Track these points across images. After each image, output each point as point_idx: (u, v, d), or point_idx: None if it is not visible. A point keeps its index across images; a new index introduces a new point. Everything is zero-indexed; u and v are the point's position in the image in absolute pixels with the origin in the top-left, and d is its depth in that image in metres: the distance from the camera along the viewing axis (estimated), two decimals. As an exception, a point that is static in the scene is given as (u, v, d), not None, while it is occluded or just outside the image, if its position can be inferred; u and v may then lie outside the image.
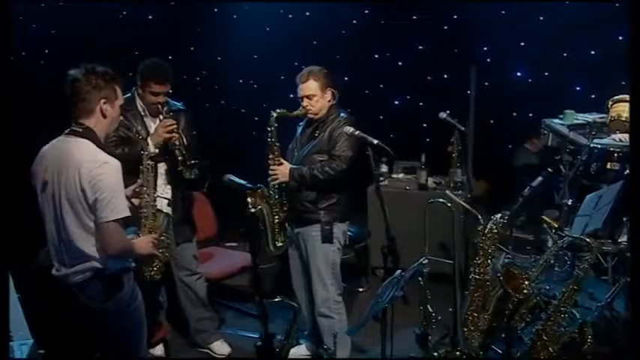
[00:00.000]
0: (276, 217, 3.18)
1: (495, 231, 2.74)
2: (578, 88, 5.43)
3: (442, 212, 3.40)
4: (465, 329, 2.78)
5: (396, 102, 6.09)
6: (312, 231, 3.12)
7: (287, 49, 5.75)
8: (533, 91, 5.49)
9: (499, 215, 2.75)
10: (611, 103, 3.69)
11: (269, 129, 3.13)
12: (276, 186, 3.15)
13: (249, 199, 2.69)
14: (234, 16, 6.03)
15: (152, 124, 3.13)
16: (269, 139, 3.14)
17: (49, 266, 2.28)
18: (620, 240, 3.47)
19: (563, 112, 4.23)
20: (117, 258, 2.22)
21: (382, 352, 2.53)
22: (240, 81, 6.20)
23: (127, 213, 2.18)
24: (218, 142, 4.86)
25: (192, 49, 6.06)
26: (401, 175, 4.32)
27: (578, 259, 2.75)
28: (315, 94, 3.10)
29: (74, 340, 2.34)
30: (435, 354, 2.86)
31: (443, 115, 3.21)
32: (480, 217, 2.88)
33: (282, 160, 3.14)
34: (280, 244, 3.22)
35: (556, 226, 3.32)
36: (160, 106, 3.08)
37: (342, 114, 3.18)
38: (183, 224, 3.26)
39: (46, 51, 5.85)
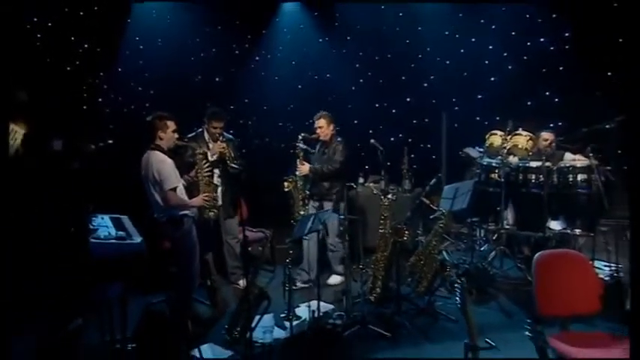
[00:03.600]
0: (300, 194, 5.25)
1: (387, 204, 4.56)
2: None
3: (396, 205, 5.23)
4: (373, 265, 4.60)
5: (392, 138, 7.92)
6: (327, 205, 5.18)
7: (313, 101, 7.86)
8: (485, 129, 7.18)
9: (390, 195, 4.58)
10: (501, 134, 5.40)
11: (298, 144, 5.27)
12: (301, 177, 5.27)
13: (285, 183, 5.18)
14: (276, 78, 8.23)
15: (212, 145, 5.22)
16: (298, 150, 5.27)
17: (152, 214, 4.34)
18: (502, 224, 5.18)
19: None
20: (175, 209, 4.17)
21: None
22: (280, 124, 8.32)
23: (177, 184, 4.13)
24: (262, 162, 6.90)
25: (246, 100, 8.26)
26: (371, 184, 6.15)
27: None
28: (323, 126, 5.28)
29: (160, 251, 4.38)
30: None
31: (372, 141, 5.06)
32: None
33: (305, 162, 5.27)
34: (302, 212, 5.19)
35: (432, 205, 5.06)
36: (217, 135, 5.19)
37: (338, 138, 5.36)
38: (230, 207, 5.31)
39: (147, 104, 8.15)
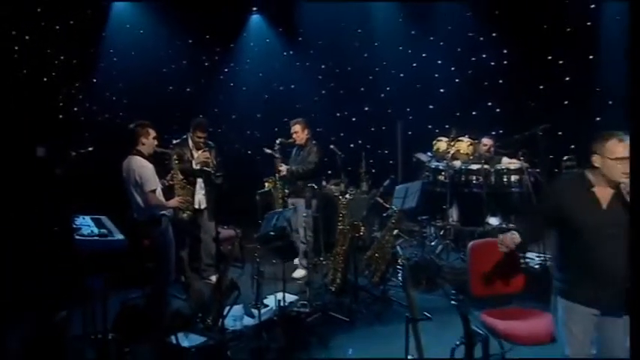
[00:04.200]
0: (280, 193, 5.72)
1: (345, 203, 5.03)
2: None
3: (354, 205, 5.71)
4: (333, 259, 5.05)
5: (352, 145, 8.42)
6: (300, 202, 5.59)
7: (279, 110, 8.29)
8: (436, 136, 7.74)
9: (348, 195, 5.05)
10: (446, 140, 5.96)
11: (276, 148, 5.72)
12: (280, 177, 5.76)
13: (266, 183, 5.72)
14: (244, 88, 8.63)
15: (196, 153, 5.59)
16: (277, 154, 5.73)
17: (132, 214, 4.67)
18: (448, 220, 5.71)
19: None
20: (155, 209, 4.55)
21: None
22: (248, 132, 8.71)
23: (156, 187, 4.50)
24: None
25: (215, 110, 8.60)
26: (332, 186, 6.62)
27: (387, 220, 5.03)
28: (298, 131, 5.77)
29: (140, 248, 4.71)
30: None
31: (332, 146, 5.53)
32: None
33: (283, 164, 5.73)
34: (280, 209, 5.58)
35: (386, 204, 5.57)
36: (201, 144, 5.56)
37: (313, 142, 5.82)
38: (210, 208, 5.67)
39: (120, 113, 8.38)
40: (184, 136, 5.66)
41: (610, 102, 6.70)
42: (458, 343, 3.12)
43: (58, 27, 7.27)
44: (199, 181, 5.58)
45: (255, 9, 8.42)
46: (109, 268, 4.06)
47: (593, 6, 6.84)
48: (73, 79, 7.45)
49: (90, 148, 5.31)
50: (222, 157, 5.89)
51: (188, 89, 8.52)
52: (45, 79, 7.18)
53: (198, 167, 5.47)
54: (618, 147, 2.80)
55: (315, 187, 6.13)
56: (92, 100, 7.76)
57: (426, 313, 3.26)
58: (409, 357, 3.11)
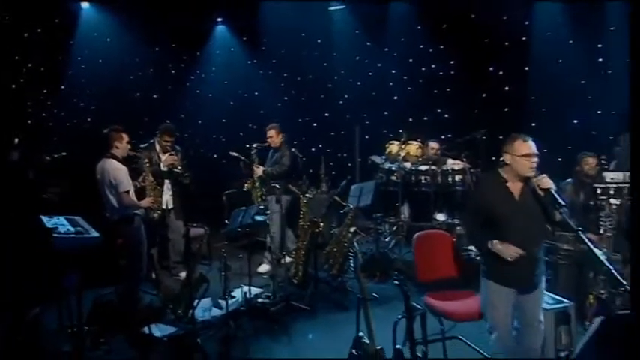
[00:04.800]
0: (258, 192, 6.06)
1: (305, 202, 5.42)
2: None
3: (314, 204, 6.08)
4: (294, 253, 5.43)
5: (313, 149, 8.82)
6: (275, 199, 5.89)
7: (244, 116, 8.61)
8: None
9: (308, 194, 5.44)
10: (397, 144, 6.43)
11: (253, 151, 6.09)
12: (258, 178, 6.09)
13: (245, 184, 6.06)
14: (209, 95, 8.91)
15: (163, 156, 5.85)
16: (254, 156, 6.09)
17: (105, 214, 4.90)
18: (400, 217, 6.17)
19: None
20: (128, 209, 4.81)
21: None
22: (214, 136, 8.99)
23: (130, 188, 4.76)
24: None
25: (182, 116, 8.83)
26: (294, 188, 6.99)
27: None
28: (273, 135, 6.12)
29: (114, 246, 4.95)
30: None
31: (293, 150, 5.90)
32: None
33: (259, 165, 6.05)
34: (261, 207, 5.96)
35: (343, 203, 5.99)
36: (168, 147, 5.82)
37: (286, 146, 6.16)
38: (180, 210, 5.94)
39: (88, 119, 8.56)
40: (151, 141, 5.92)
41: (543, 109, 7.36)
42: (400, 316, 3.54)
43: (26, 35, 7.38)
44: (167, 182, 5.85)
45: (220, 20, 8.72)
46: (86, 264, 4.29)
47: (527, 23, 7.50)
48: (42, 85, 7.57)
49: (63, 153, 5.53)
50: (188, 160, 6.17)
51: (155, 95, 8.74)
52: (13, 86, 7.28)
53: (166, 169, 5.74)
54: (523, 146, 3.31)
55: (278, 187, 6.52)
56: (61, 107, 7.88)
57: (374, 294, 3.65)
58: (360, 334, 3.51)
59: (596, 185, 4.59)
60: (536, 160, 3.35)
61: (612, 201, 4.53)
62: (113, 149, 4.68)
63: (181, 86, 8.82)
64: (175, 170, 5.77)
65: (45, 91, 7.60)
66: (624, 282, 2.61)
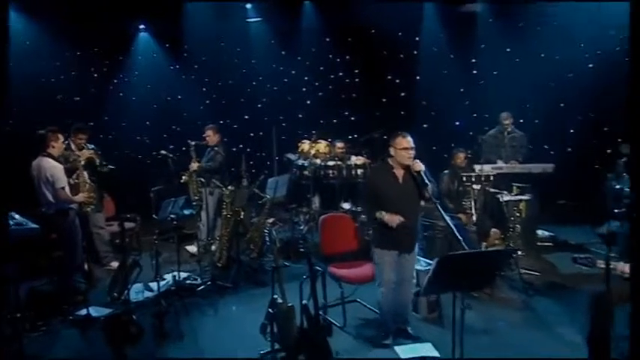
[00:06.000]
0: (195, 185, 6.61)
1: (228, 194, 6.09)
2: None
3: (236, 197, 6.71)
4: (219, 239, 6.07)
5: (234, 148, 9.38)
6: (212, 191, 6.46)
7: (167, 118, 9.04)
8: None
9: (230, 187, 6.11)
10: (308, 142, 7.26)
11: (191, 148, 6.63)
12: (194, 172, 6.68)
13: (183, 177, 6.63)
14: (133, 98, 9.22)
15: (79, 153, 6.18)
16: (192, 153, 6.63)
17: (41, 209, 5.23)
18: (312, 207, 6.99)
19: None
20: (64, 203, 5.22)
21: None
22: (138, 138, 9.31)
23: (65, 184, 5.18)
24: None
25: (106, 118, 9.06)
26: (217, 182, 7.59)
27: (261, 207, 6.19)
28: (210, 135, 6.70)
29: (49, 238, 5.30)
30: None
31: (216, 148, 6.53)
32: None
33: (196, 161, 6.57)
34: (197, 197, 6.52)
35: (261, 194, 6.73)
36: (83, 145, 6.18)
37: (221, 144, 6.72)
38: (99, 203, 6.30)
39: (10, 121, 8.47)
40: (66, 142, 6.23)
41: (432, 113, 8.56)
42: (305, 277, 4.34)
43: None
44: (85, 175, 6.00)
45: (142, 27, 9.07)
46: (27, 254, 4.65)
47: (417, 39, 8.68)
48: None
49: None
50: (106, 156, 6.53)
51: (77, 98, 8.90)
52: None
53: (83, 163, 6.05)
54: (403, 141, 4.22)
55: (202, 180, 7.10)
56: (-20, 109, 7.85)
57: (285, 263, 4.39)
58: (275, 297, 4.25)
59: (462, 174, 5.69)
60: (412, 152, 4.24)
61: (475, 186, 5.64)
62: (49, 148, 5.05)
63: (104, 90, 9.05)
64: (94, 162, 6.06)
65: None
66: (460, 239, 3.56)
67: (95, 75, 9.10)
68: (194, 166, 6.79)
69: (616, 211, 4.90)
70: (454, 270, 3.20)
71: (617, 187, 5.93)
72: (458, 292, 3.40)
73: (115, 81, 9.18)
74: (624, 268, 3.76)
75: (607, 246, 3.30)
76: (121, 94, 9.22)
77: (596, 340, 3.73)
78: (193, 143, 6.78)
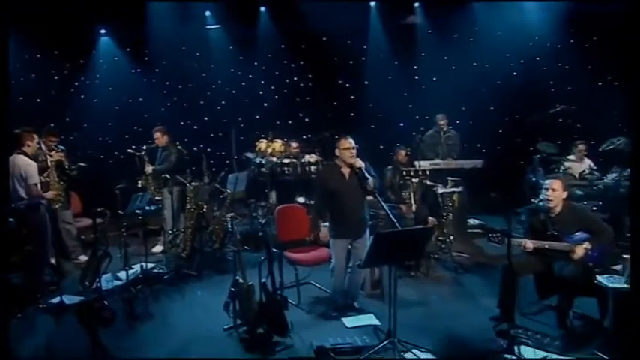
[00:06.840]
0: (152, 186, 6.90)
1: (191, 189, 6.55)
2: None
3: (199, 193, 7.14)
4: (183, 232, 6.52)
5: (195, 148, 9.77)
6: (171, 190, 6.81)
7: (129, 120, 9.32)
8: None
9: (193, 183, 6.58)
10: (265, 142, 7.81)
11: (143, 152, 6.96)
12: (150, 174, 6.95)
13: (139, 181, 6.84)
14: (95, 100, 9.45)
15: (49, 154, 6.49)
16: (144, 155, 6.93)
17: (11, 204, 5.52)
18: (269, 201, 7.54)
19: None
20: (35, 199, 5.52)
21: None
22: (100, 139, 9.53)
23: (37, 181, 5.50)
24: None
25: (67, 119, 9.22)
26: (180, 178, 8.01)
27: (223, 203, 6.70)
28: (159, 137, 7.02)
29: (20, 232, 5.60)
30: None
31: (179, 147, 6.98)
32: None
33: (150, 165, 6.91)
34: (158, 197, 6.80)
35: (222, 189, 7.24)
36: (53, 147, 6.49)
37: (172, 144, 7.06)
38: (66, 201, 6.62)
39: None
40: (38, 142, 6.53)
41: (379, 115, 9.29)
42: (262, 258, 4.90)
43: None
44: (55, 175, 6.36)
45: (103, 31, 9.32)
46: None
47: (365, 47, 9.40)
48: None
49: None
50: (74, 158, 6.86)
51: (38, 100, 9.05)
52: None
53: (53, 164, 6.38)
54: (344, 142, 4.84)
55: (169, 178, 7.48)
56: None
57: (246, 247, 4.91)
58: (236, 277, 4.77)
59: (403, 169, 6.39)
60: (354, 151, 4.86)
61: (414, 180, 6.36)
62: (25, 147, 5.38)
63: (65, 92, 9.23)
64: (62, 162, 6.38)
65: None
66: (395, 221, 4.22)
67: (56, 77, 9.27)
68: (149, 169, 7.06)
69: (532, 200, 5.69)
70: (388, 245, 3.85)
71: (534, 179, 6.82)
72: (393, 266, 4.06)
73: (77, 83, 9.39)
74: (527, 243, 4.54)
75: (508, 225, 4.03)
76: (82, 97, 9.41)
77: (503, 303, 4.50)
78: (144, 147, 7.07)
